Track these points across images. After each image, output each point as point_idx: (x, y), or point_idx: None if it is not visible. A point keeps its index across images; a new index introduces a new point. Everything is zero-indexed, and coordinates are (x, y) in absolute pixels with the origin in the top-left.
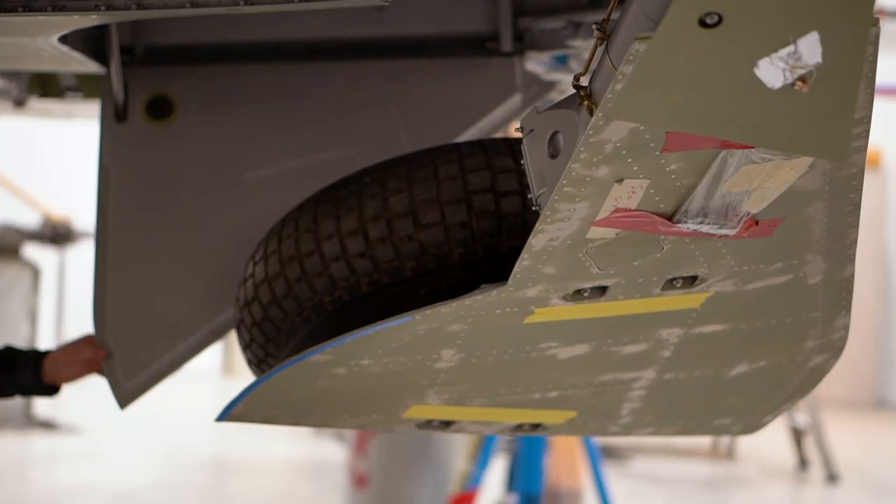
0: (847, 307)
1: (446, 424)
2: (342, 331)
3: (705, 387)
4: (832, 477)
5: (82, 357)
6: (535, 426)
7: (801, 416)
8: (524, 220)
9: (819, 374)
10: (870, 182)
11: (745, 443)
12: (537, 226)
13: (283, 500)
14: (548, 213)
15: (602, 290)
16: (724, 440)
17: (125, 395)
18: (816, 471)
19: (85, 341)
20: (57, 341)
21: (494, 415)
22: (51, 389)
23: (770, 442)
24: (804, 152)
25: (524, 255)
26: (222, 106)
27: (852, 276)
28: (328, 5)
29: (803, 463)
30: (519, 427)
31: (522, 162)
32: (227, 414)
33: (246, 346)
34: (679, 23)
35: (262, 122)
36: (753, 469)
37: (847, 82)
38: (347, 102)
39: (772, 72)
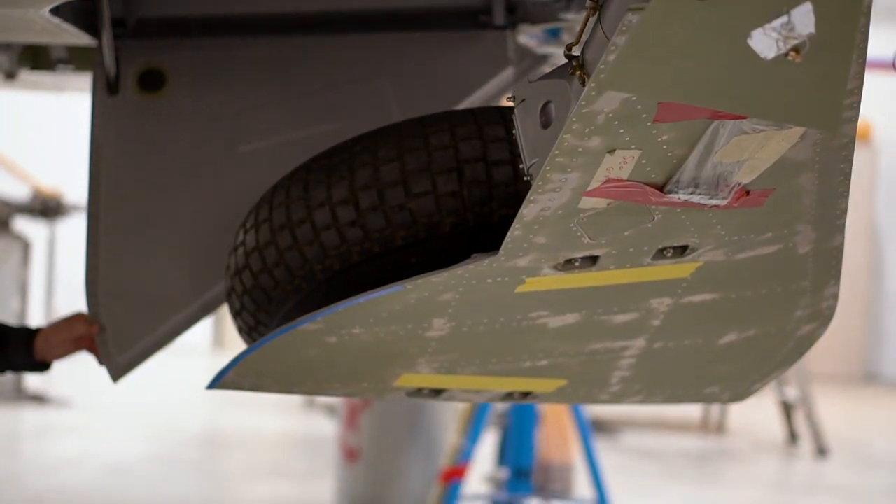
0: (836, 276)
1: (436, 393)
2: (333, 299)
3: (695, 355)
4: (822, 451)
5: (74, 333)
6: (525, 394)
7: (791, 390)
8: (515, 190)
9: (808, 342)
10: (860, 156)
11: (736, 417)
12: (529, 196)
13: (274, 473)
14: (539, 183)
15: (593, 260)
16: (715, 414)
17: (117, 368)
18: (806, 444)
19: (77, 318)
20: (47, 315)
21: (485, 383)
22: (42, 366)
23: (760, 416)
24: (797, 122)
25: (515, 224)
26: (214, 79)
27: (842, 245)
28: None
29: (793, 437)
30: (509, 395)
31: (514, 131)
32: (219, 381)
33: (237, 314)
34: None
35: (254, 94)
36: (743, 443)
37: (840, 53)
38: (340, 75)
39: (765, 42)
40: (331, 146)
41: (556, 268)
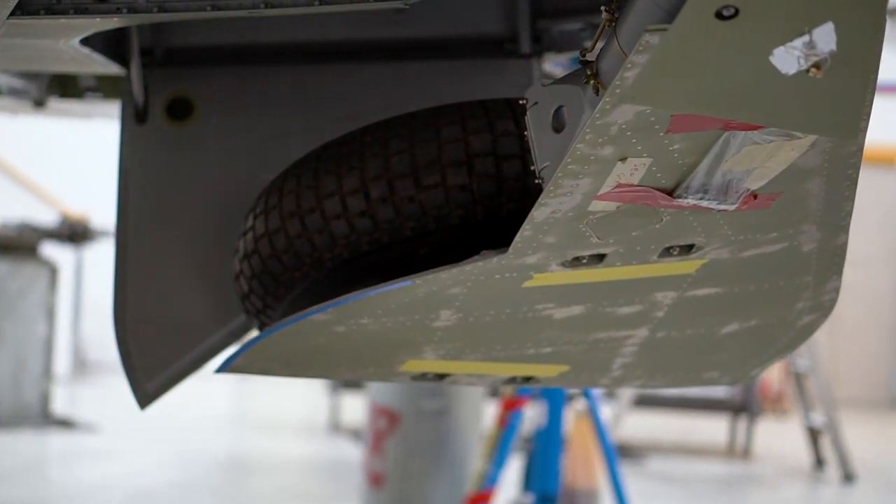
0: (838, 271)
1: (441, 377)
2: (341, 287)
3: (696, 344)
4: (848, 476)
5: None
6: (528, 379)
7: (818, 416)
8: (524, 184)
9: (808, 331)
10: (885, 181)
11: (762, 442)
12: (540, 199)
13: (299, 499)
14: (551, 188)
15: (600, 258)
16: (741, 439)
17: (145, 396)
18: (833, 470)
19: None
20: (74, 340)
21: (488, 368)
22: None
23: (786, 441)
24: (817, 133)
25: (526, 226)
26: (242, 107)
27: (845, 243)
28: (348, 8)
29: (819, 462)
30: (512, 379)
31: (526, 133)
32: (228, 366)
33: (244, 297)
34: (696, 15)
35: (281, 123)
36: (770, 468)
37: (861, 67)
38: (366, 104)
39: (787, 59)
40: (340, 135)
41: (563, 265)
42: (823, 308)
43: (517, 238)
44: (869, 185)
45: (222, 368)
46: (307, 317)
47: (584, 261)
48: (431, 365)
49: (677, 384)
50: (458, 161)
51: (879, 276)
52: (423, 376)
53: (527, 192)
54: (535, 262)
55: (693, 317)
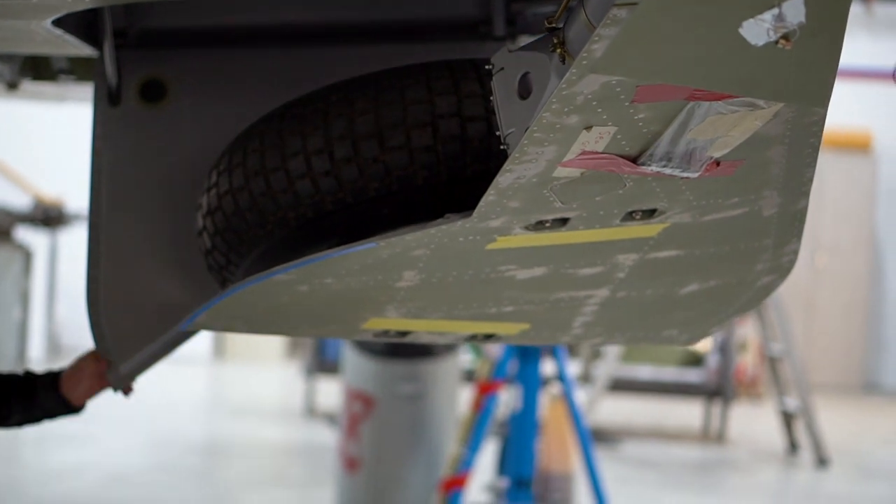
0: (798, 235)
1: (402, 334)
2: (305, 245)
3: (656, 303)
4: (822, 461)
5: (88, 372)
6: (489, 336)
7: (792, 400)
8: (488, 146)
9: (766, 291)
10: (860, 165)
11: (736, 426)
12: (505, 166)
13: (274, 483)
14: (516, 155)
15: (563, 221)
16: (715, 423)
17: (119, 379)
18: (806, 454)
19: (89, 356)
20: (48, 324)
21: (450, 326)
22: (75, 409)
23: (760, 425)
24: (787, 101)
25: (490, 191)
26: (215, 89)
27: (805, 208)
28: None
29: (793, 446)
30: (473, 337)
31: (491, 98)
32: (191, 323)
33: (207, 253)
34: None
35: (254, 106)
36: (744, 452)
37: (829, 38)
38: None
39: (756, 31)
40: (305, 93)
41: (527, 228)
42: (782, 269)
43: (481, 203)
44: (844, 169)
45: (185, 326)
46: (271, 276)
47: (548, 224)
48: (394, 323)
49: (636, 342)
50: (422, 122)
51: (854, 262)
52: (385, 334)
53: (491, 154)
54: (498, 225)
55: (653, 278)
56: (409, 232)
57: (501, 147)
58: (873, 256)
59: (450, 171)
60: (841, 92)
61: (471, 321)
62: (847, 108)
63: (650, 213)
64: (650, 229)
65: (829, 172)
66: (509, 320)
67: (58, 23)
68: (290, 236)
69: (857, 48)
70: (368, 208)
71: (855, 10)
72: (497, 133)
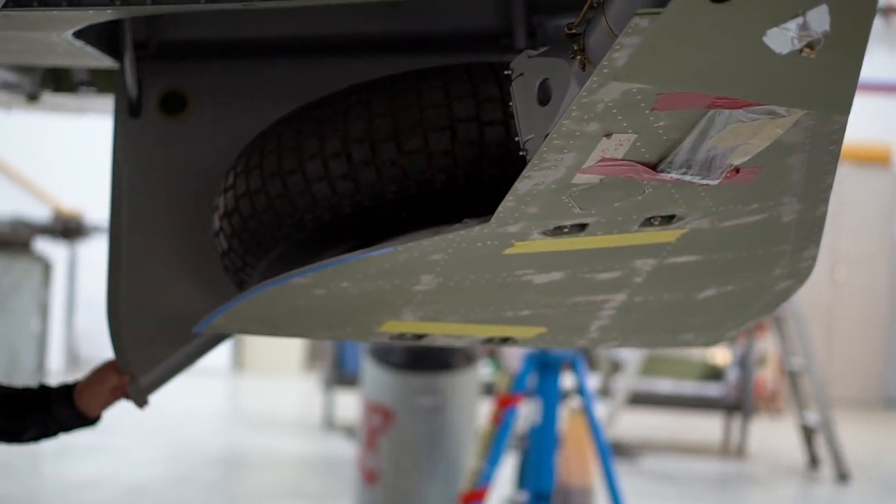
0: (816, 241)
1: (419, 337)
2: (322, 248)
3: (673, 308)
4: (843, 475)
5: (109, 384)
6: (505, 339)
7: (812, 415)
8: (506, 150)
9: (783, 296)
10: (880, 180)
11: (756, 441)
12: (524, 172)
13: (293, 495)
14: (535, 161)
15: (582, 227)
16: (735, 438)
17: (139, 391)
18: (827, 469)
19: (108, 367)
20: (67, 336)
21: (466, 329)
22: (90, 421)
23: (780, 440)
24: (811, 109)
25: (509, 197)
26: (236, 101)
27: (825, 214)
28: (342, 0)
29: (814, 461)
30: (489, 340)
31: (510, 103)
32: (208, 325)
33: (224, 254)
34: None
35: (274, 117)
36: (764, 467)
37: (852, 46)
38: None
39: (780, 40)
40: (324, 95)
41: (545, 233)
42: (800, 274)
43: (500, 208)
44: (863, 184)
45: (202, 328)
46: (288, 280)
47: (566, 230)
48: (410, 326)
49: (653, 345)
50: (441, 126)
51: (875, 276)
52: (401, 336)
53: (509, 159)
54: (516, 230)
55: (671, 282)
56: (427, 236)
57: (520, 153)
58: (893, 270)
59: (467, 175)
60: (860, 106)
61: (487, 324)
62: (867, 123)
63: (669, 219)
64: (668, 235)
65: (848, 186)
66: (526, 324)
67: (78, 35)
68: (306, 239)
69: (876, 63)
70: (385, 211)
71: (875, 24)
72: (516, 139)
